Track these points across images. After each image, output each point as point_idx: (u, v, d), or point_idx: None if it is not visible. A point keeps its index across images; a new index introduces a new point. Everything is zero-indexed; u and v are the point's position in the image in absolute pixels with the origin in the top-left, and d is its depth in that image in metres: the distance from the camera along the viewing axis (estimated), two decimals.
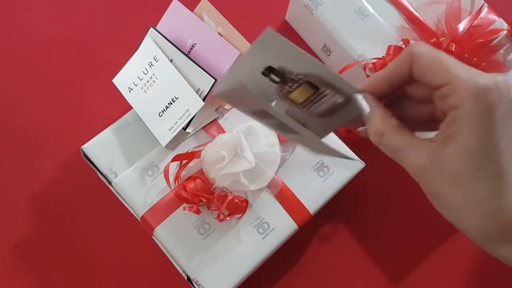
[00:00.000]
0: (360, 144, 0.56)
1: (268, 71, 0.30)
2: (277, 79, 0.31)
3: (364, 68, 0.55)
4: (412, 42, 0.55)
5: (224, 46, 0.49)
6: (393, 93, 0.30)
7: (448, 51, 0.54)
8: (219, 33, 0.50)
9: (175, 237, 0.48)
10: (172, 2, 0.50)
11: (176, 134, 0.49)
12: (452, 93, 0.26)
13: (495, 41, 0.56)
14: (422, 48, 0.28)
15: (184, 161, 0.49)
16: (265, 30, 0.28)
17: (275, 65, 0.30)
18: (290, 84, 0.31)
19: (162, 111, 0.50)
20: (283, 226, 0.49)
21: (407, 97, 0.31)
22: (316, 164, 0.51)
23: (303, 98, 0.32)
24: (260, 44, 0.29)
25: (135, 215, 0.50)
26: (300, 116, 0.33)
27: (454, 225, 0.29)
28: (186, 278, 0.47)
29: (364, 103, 0.30)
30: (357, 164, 0.52)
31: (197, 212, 0.47)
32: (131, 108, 0.52)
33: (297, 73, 0.30)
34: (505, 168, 0.26)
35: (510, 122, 0.26)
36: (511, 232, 0.27)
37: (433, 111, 0.30)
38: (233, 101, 0.33)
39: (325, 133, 0.34)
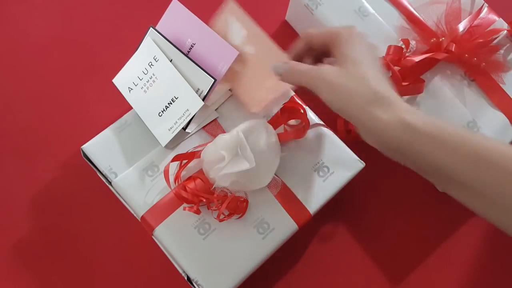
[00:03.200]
0: (360, 144, 0.56)
1: None
2: None
3: None
4: (412, 42, 0.55)
5: (223, 46, 0.49)
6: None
7: (448, 51, 0.54)
8: (244, 40, 0.50)
9: (175, 237, 0.48)
10: (172, 2, 0.50)
11: (176, 134, 0.49)
12: (333, 41, 0.42)
13: (495, 41, 0.56)
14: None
15: (184, 161, 0.49)
16: None
17: None
18: None
19: (162, 111, 0.50)
20: (283, 226, 0.49)
21: None
22: (316, 164, 0.51)
23: None
24: None
25: (135, 215, 0.50)
26: None
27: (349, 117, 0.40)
28: (186, 278, 0.47)
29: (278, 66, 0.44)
30: (357, 164, 0.52)
31: (197, 212, 0.47)
32: (131, 108, 0.52)
33: None
34: (372, 66, 0.40)
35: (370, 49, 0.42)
36: (384, 99, 0.38)
37: None
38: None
39: None
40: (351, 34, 0.42)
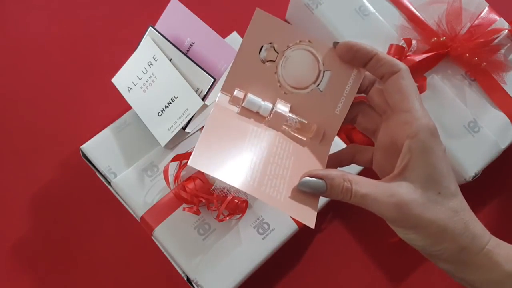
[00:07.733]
0: None
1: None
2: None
3: None
4: (413, 42, 0.55)
5: (222, 46, 0.49)
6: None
7: (449, 50, 0.54)
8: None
9: (174, 237, 0.47)
10: (171, 1, 0.50)
11: (176, 134, 0.49)
12: (410, 122, 0.31)
13: (496, 41, 0.56)
14: (407, 72, 0.32)
15: (184, 161, 0.49)
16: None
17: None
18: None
19: (162, 111, 0.50)
20: (283, 226, 0.49)
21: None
22: None
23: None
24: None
25: (134, 215, 0.50)
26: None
27: (431, 253, 0.33)
28: (186, 278, 0.47)
29: (315, 181, 0.33)
30: None
31: (197, 212, 0.46)
32: (130, 107, 0.52)
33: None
34: (454, 188, 0.31)
35: (444, 154, 0.31)
36: (478, 242, 0.31)
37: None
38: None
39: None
40: (433, 141, 0.30)
